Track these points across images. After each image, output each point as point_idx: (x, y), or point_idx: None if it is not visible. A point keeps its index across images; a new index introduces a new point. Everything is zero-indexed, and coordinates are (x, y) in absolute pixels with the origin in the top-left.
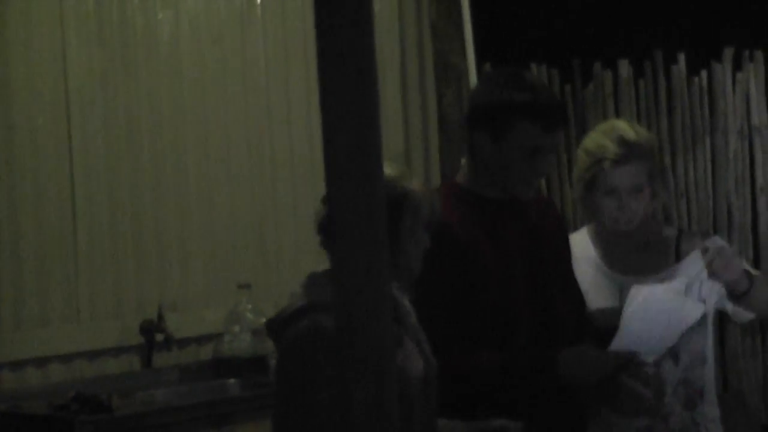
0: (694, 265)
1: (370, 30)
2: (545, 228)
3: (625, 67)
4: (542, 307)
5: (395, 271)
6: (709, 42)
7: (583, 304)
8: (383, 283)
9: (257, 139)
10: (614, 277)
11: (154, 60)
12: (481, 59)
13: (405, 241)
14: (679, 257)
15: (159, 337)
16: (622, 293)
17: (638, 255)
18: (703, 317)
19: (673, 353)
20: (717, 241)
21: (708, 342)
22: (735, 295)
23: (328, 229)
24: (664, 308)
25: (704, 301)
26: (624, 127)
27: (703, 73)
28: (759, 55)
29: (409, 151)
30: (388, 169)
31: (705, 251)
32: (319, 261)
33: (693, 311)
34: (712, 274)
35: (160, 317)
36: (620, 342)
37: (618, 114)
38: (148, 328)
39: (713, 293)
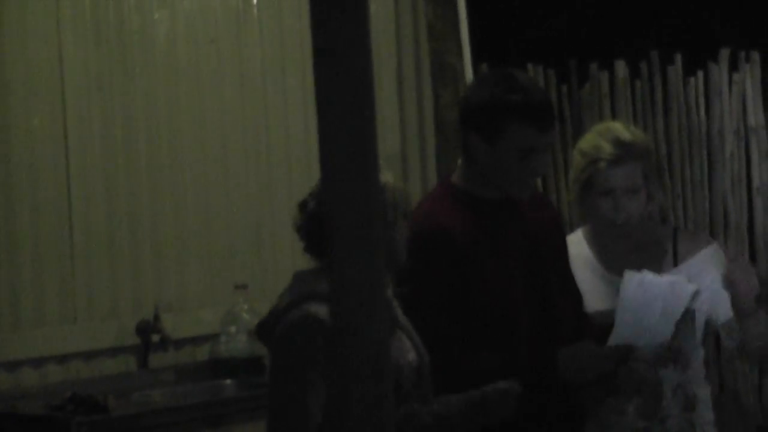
0: (695, 268)
1: (367, 30)
2: (542, 226)
3: (621, 68)
4: (541, 305)
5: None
6: (705, 43)
7: (581, 303)
8: (379, 282)
9: (254, 139)
10: (611, 279)
11: (151, 60)
12: (478, 59)
13: (391, 234)
14: (677, 258)
15: (155, 337)
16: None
17: (635, 256)
18: (692, 315)
19: (674, 356)
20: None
21: (696, 343)
22: (738, 313)
23: (311, 234)
24: (659, 292)
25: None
26: (619, 128)
27: (700, 74)
28: (755, 55)
29: (405, 152)
30: None
31: (732, 259)
32: (313, 262)
33: (685, 289)
34: (730, 284)
35: (157, 318)
36: (618, 334)
37: (614, 115)
38: (145, 329)
39: (716, 303)
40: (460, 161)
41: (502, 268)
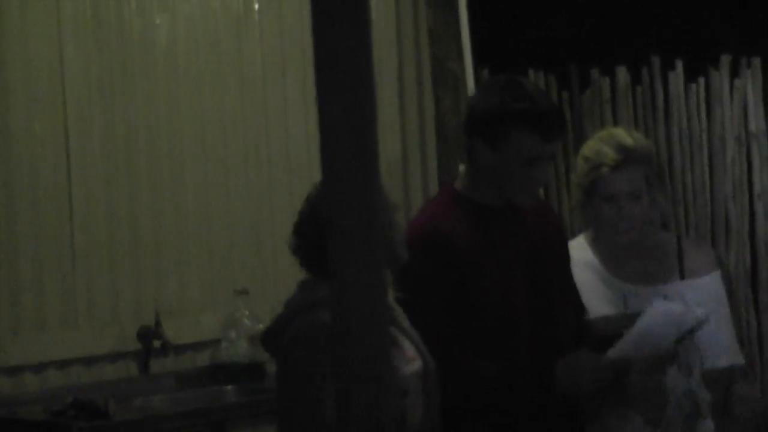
0: (700, 290)
1: (368, 35)
2: (544, 234)
3: (622, 74)
4: (541, 313)
5: (386, 262)
6: (706, 49)
7: (582, 309)
8: (380, 286)
9: (254, 144)
10: (617, 284)
11: (151, 64)
12: (479, 65)
13: (386, 232)
14: (683, 270)
15: (156, 343)
16: (626, 300)
17: (639, 262)
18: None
19: (684, 365)
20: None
21: (698, 351)
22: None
23: (308, 257)
24: (675, 320)
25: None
26: (622, 133)
27: (701, 80)
28: (756, 62)
29: (406, 157)
30: None
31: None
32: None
33: (694, 315)
34: None
35: (158, 323)
36: (620, 349)
37: (615, 120)
38: (146, 334)
39: (707, 344)
40: (462, 167)
41: (502, 274)
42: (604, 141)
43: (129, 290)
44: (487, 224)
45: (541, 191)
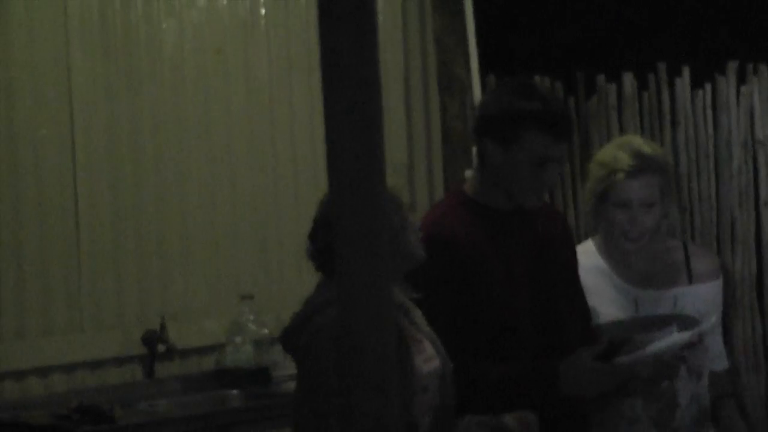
0: (705, 297)
1: (374, 41)
2: (552, 239)
3: (628, 80)
4: (547, 317)
5: (402, 262)
6: (713, 55)
7: (588, 315)
8: (386, 294)
9: (260, 149)
10: (627, 288)
11: (158, 69)
12: (485, 71)
13: (401, 234)
14: (690, 275)
15: (161, 347)
16: (637, 304)
17: (648, 266)
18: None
19: (695, 369)
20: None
21: (706, 356)
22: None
23: (325, 264)
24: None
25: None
26: (639, 141)
27: (707, 87)
28: (763, 68)
29: (412, 163)
30: None
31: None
32: (320, 274)
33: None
34: None
35: (163, 328)
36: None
37: (621, 127)
38: (151, 339)
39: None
40: (468, 172)
41: (507, 277)
42: (621, 147)
43: (134, 295)
44: (495, 227)
45: (547, 196)
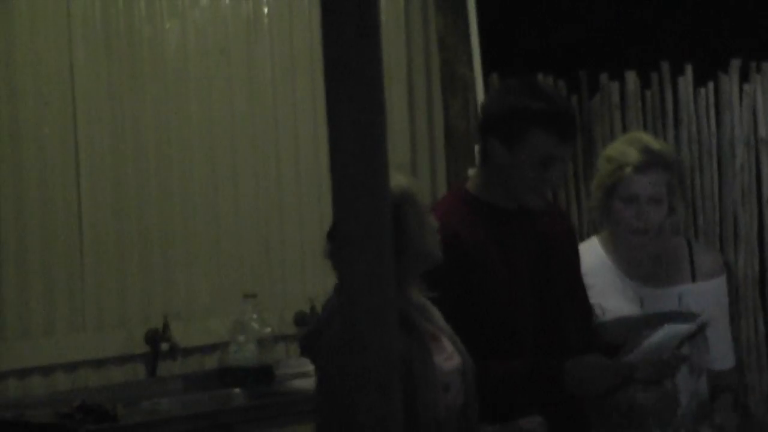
0: (709, 294)
1: (377, 40)
2: (555, 238)
3: (631, 79)
4: (549, 316)
5: (420, 263)
6: (715, 53)
7: (590, 313)
8: (388, 295)
9: (263, 149)
10: (632, 285)
11: (161, 70)
12: (488, 70)
13: (418, 234)
14: (694, 272)
15: (164, 346)
16: (642, 302)
17: (652, 264)
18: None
19: (696, 367)
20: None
21: (707, 353)
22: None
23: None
24: (674, 335)
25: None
26: (648, 137)
27: (710, 85)
28: (766, 66)
29: (415, 162)
30: None
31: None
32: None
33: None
34: None
35: (166, 326)
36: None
37: (625, 125)
38: (154, 338)
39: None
40: (471, 171)
41: (510, 275)
42: (630, 143)
43: (137, 294)
44: (497, 225)
45: (550, 195)
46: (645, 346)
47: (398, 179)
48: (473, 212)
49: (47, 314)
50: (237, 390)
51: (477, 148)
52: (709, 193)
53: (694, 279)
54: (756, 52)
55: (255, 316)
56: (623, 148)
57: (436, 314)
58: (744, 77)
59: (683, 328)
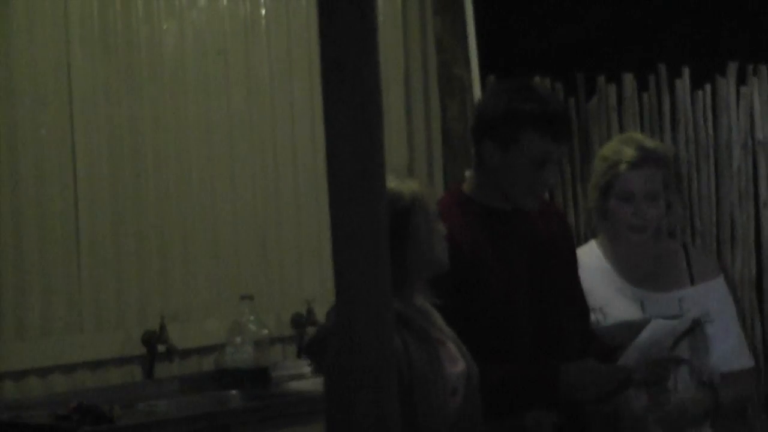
0: (708, 296)
1: (375, 42)
2: (552, 238)
3: (628, 81)
4: (546, 318)
5: (427, 269)
6: (713, 56)
7: (588, 315)
8: (386, 295)
9: (261, 150)
10: (632, 290)
11: (159, 70)
12: (485, 72)
13: (427, 240)
14: (692, 276)
15: (161, 347)
16: (643, 306)
17: (651, 268)
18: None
19: (695, 370)
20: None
21: (708, 355)
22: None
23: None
24: (665, 333)
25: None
26: (642, 136)
27: (707, 87)
28: (763, 69)
29: (412, 164)
30: (390, 181)
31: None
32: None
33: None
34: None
35: (163, 328)
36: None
37: (622, 127)
38: (151, 339)
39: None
40: (468, 172)
41: (506, 276)
42: (624, 141)
43: (134, 295)
44: (493, 227)
45: (547, 195)
46: (635, 344)
47: (410, 184)
48: (469, 214)
49: (44, 315)
50: (234, 392)
51: (473, 150)
52: (706, 196)
53: (692, 282)
54: (753, 54)
55: (252, 317)
56: (618, 147)
57: (439, 319)
58: (741, 80)
59: (672, 323)
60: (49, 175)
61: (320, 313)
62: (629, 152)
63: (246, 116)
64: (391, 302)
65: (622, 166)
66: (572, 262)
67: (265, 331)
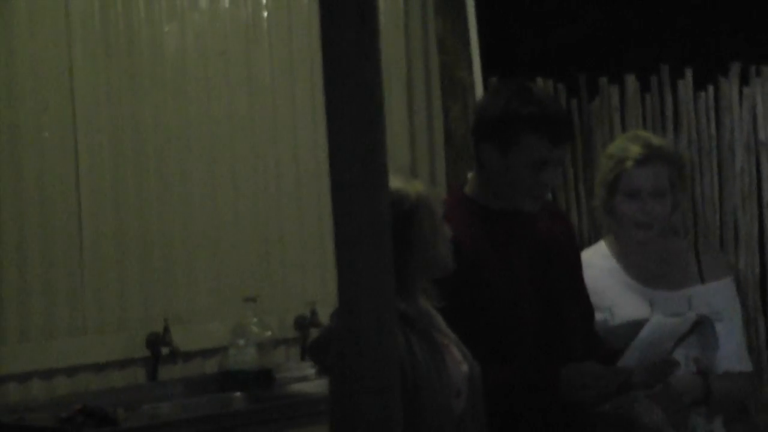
0: (718, 295)
1: (376, 43)
2: (555, 239)
3: (631, 82)
4: (550, 319)
5: (431, 271)
6: (715, 57)
7: (592, 316)
8: (388, 299)
9: (263, 152)
10: (641, 290)
11: (160, 73)
12: (488, 73)
13: (432, 241)
14: (702, 274)
15: (164, 350)
16: (652, 305)
17: (660, 267)
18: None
19: (702, 367)
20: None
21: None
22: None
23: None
24: (674, 331)
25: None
26: (648, 134)
27: (710, 88)
28: (766, 70)
29: (415, 165)
30: (396, 182)
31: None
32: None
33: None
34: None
35: (166, 330)
36: (622, 362)
37: (624, 129)
38: (154, 341)
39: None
40: (470, 174)
41: (509, 278)
42: (630, 139)
43: (137, 297)
44: (495, 228)
45: (550, 196)
46: (635, 343)
47: (415, 185)
48: (471, 215)
49: (48, 318)
50: (237, 394)
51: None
52: (709, 197)
53: (702, 281)
54: (756, 55)
55: (255, 319)
56: (624, 144)
57: (442, 322)
58: (744, 81)
59: (673, 322)
60: (51, 176)
61: (323, 315)
62: (635, 149)
63: (248, 118)
64: (395, 304)
65: (629, 163)
66: (576, 264)
67: (269, 333)
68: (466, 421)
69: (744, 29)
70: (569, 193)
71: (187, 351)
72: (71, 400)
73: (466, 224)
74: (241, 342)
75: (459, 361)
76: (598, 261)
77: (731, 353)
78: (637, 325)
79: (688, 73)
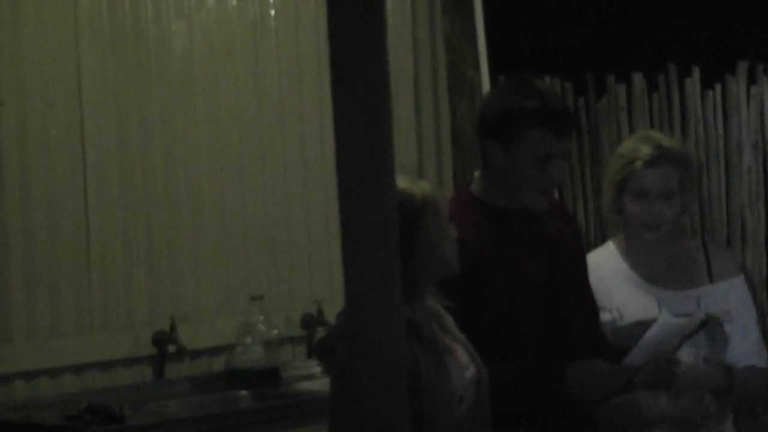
0: (729, 294)
1: (384, 42)
2: (561, 238)
3: (638, 81)
4: (556, 318)
5: (437, 271)
6: (723, 56)
7: (598, 315)
8: (395, 299)
9: (270, 150)
10: (650, 290)
11: (168, 71)
12: (495, 72)
13: (437, 241)
14: (711, 273)
15: (171, 348)
16: (660, 305)
17: (669, 267)
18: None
19: (673, 369)
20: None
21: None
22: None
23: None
24: (672, 331)
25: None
26: (659, 135)
27: (717, 87)
28: None
29: (422, 163)
30: (402, 182)
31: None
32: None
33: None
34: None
35: (173, 328)
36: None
37: (631, 128)
38: (161, 339)
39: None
40: (477, 172)
41: (515, 277)
42: (641, 140)
43: (144, 295)
44: (502, 227)
45: (556, 194)
46: (643, 341)
47: (422, 185)
48: (477, 214)
49: (54, 316)
50: (244, 392)
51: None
52: (716, 196)
53: (711, 280)
54: (763, 54)
55: (262, 318)
56: (635, 144)
57: (451, 322)
58: (752, 79)
59: (681, 321)
60: (59, 176)
61: (330, 314)
62: (646, 150)
63: (255, 116)
64: (401, 303)
65: (638, 164)
66: (582, 263)
67: (275, 332)
68: (471, 423)
69: (752, 28)
70: (576, 191)
71: (194, 349)
72: (78, 398)
73: (473, 224)
74: (248, 340)
75: (464, 365)
76: (605, 261)
77: (746, 351)
78: (644, 325)
79: (696, 72)
